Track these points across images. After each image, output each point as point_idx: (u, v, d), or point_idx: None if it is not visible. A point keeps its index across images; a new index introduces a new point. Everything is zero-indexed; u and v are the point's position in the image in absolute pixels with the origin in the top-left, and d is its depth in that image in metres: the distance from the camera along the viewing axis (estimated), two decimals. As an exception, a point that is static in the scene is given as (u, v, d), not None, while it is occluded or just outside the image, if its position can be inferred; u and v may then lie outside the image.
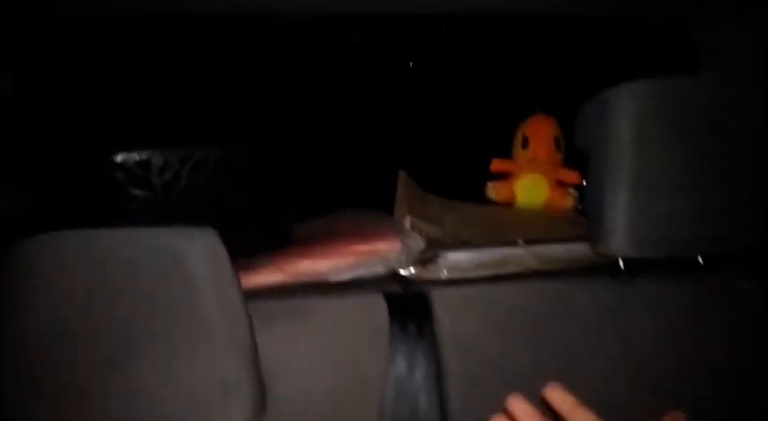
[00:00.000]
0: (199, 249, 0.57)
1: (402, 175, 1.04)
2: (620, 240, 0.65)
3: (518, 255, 0.81)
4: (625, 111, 0.66)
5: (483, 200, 1.09)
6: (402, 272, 0.78)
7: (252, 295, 0.71)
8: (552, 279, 0.76)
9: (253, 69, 0.99)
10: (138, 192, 0.73)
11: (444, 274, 0.78)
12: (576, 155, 1.09)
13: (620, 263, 0.74)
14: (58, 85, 0.87)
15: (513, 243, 0.82)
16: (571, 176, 1.06)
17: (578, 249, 0.81)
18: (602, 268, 0.77)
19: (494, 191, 1.07)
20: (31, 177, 0.80)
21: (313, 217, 0.98)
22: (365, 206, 1.04)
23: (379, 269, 0.77)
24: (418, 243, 0.79)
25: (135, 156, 0.72)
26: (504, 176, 1.10)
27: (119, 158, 0.71)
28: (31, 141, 0.83)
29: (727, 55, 0.90)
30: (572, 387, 0.69)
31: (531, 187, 1.06)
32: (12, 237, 0.78)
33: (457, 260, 0.80)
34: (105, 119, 0.87)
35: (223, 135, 0.81)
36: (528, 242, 0.83)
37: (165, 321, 0.55)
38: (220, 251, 0.58)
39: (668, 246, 0.67)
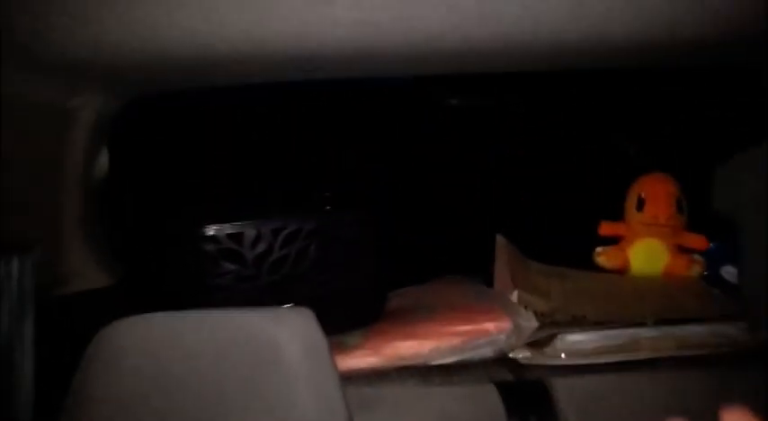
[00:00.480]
0: (295, 337, 0.51)
1: (501, 240, 0.95)
2: (794, 327, 0.54)
3: (651, 338, 0.70)
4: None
5: (590, 266, 0.98)
6: (513, 355, 0.69)
7: (343, 381, 0.64)
8: (699, 368, 0.64)
9: (347, 137, 0.97)
10: (229, 265, 0.69)
11: (563, 359, 0.68)
12: (696, 217, 0.97)
13: (784, 351, 0.61)
14: (152, 159, 0.87)
15: (641, 324, 0.71)
16: (697, 241, 0.93)
17: (726, 331, 0.69)
18: (757, 355, 0.64)
19: (604, 257, 0.96)
20: (124, 249, 0.79)
21: (403, 284, 0.91)
22: (459, 272, 0.97)
23: (487, 352, 0.69)
24: (531, 322, 0.70)
25: (227, 229, 0.68)
26: (613, 241, 0.98)
27: (210, 231, 0.68)
28: (124, 214, 0.82)
29: None
30: None
31: (647, 253, 0.94)
32: (103, 309, 0.76)
33: (577, 342, 0.69)
34: (197, 191, 0.86)
35: (317, 205, 0.77)
36: (660, 322, 0.71)
37: (259, 413, 0.49)
38: (319, 339, 0.52)
39: None
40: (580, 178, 1.06)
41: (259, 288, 0.69)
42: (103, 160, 0.76)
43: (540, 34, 0.55)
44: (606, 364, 0.67)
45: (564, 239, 1.02)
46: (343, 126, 0.98)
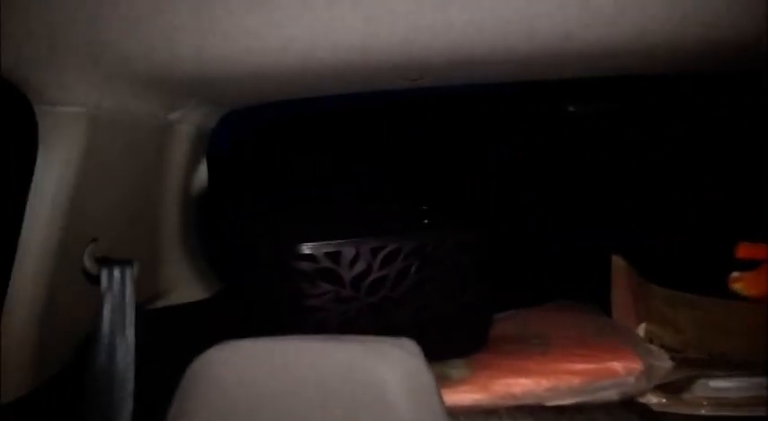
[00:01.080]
0: (400, 375, 0.46)
1: (618, 261, 0.85)
2: None
3: (817, 388, 0.58)
4: None
5: (724, 294, 0.85)
6: (644, 400, 0.60)
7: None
8: None
9: (451, 150, 0.90)
10: (326, 285, 0.65)
11: (706, 409, 0.58)
12: None
13: None
14: (250, 172, 0.85)
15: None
16: None
17: None
18: None
19: (743, 283, 0.84)
20: (221, 264, 0.78)
21: (508, 305, 0.83)
22: (565, 295, 0.88)
23: (612, 395, 0.60)
24: (665, 362, 0.61)
25: (325, 247, 0.65)
26: (752, 265, 0.85)
27: (307, 249, 0.65)
28: (221, 228, 0.81)
29: None
30: None
31: (798, 281, 0.81)
32: (200, 323, 0.75)
33: (722, 389, 0.59)
34: (295, 207, 0.83)
35: (417, 223, 0.72)
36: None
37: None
38: (426, 378, 0.46)
39: None
40: (717, 193, 0.93)
41: (357, 310, 0.65)
42: (202, 173, 0.75)
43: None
44: (755, 418, 0.57)
45: (693, 261, 0.90)
46: (448, 140, 0.92)
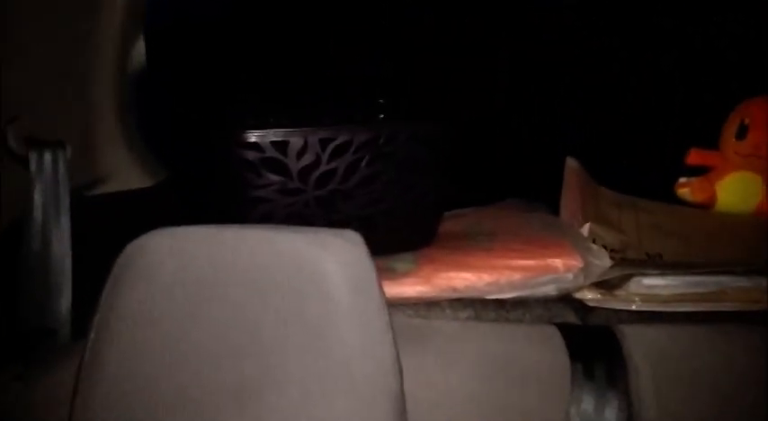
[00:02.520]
0: (342, 266, 0.46)
1: (571, 163, 0.86)
2: None
3: (740, 288, 0.61)
4: None
5: (671, 199, 0.87)
6: (579, 295, 0.62)
7: (392, 308, 0.59)
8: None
9: (410, 38, 0.85)
10: (272, 176, 0.63)
11: (637, 304, 0.61)
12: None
13: None
14: (193, 54, 0.79)
15: (729, 271, 0.63)
16: (802, 179, 0.81)
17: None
18: None
19: (688, 188, 0.86)
20: (165, 151, 0.74)
21: (457, 206, 0.83)
22: (518, 195, 0.89)
23: (550, 290, 0.62)
24: (603, 260, 0.63)
25: (271, 136, 0.62)
26: (701, 171, 0.87)
27: (252, 138, 0.62)
28: (163, 113, 0.76)
29: None
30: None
31: (740, 188, 0.84)
32: (140, 212, 0.73)
33: (654, 287, 0.62)
34: (242, 93, 0.78)
35: (370, 115, 0.69)
36: (752, 270, 0.63)
37: (297, 351, 0.45)
38: (368, 270, 0.46)
39: None
40: (669, 97, 0.92)
41: (304, 203, 0.63)
42: (140, 49, 0.69)
43: None
44: (683, 314, 0.60)
45: (644, 166, 0.92)
46: (406, 32, 0.87)
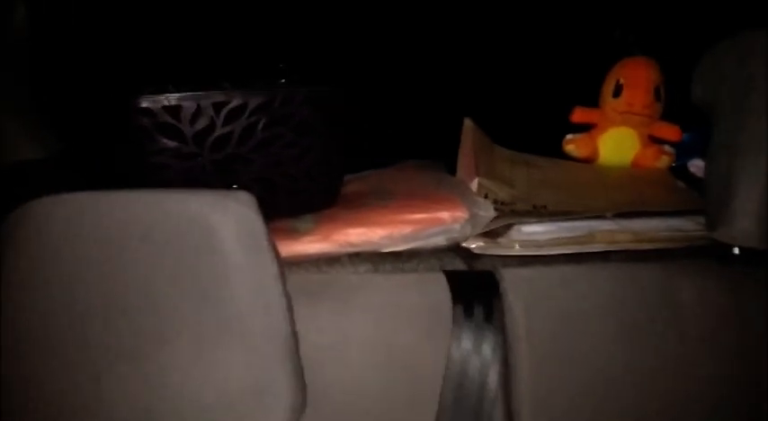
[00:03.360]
0: (232, 223, 0.48)
1: (468, 124, 0.90)
2: (751, 229, 0.52)
3: (607, 231, 0.68)
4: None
5: (558, 154, 0.94)
6: (466, 244, 0.67)
7: (293, 267, 0.62)
8: (647, 262, 0.64)
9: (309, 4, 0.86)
10: (166, 141, 0.63)
11: (517, 250, 0.66)
12: (673, 106, 0.92)
13: (736, 249, 0.61)
14: (78, 15, 0.76)
15: (600, 216, 0.69)
16: (670, 132, 0.90)
17: (682, 225, 0.68)
18: (709, 250, 0.64)
19: (573, 145, 0.92)
20: (58, 120, 0.72)
21: (360, 169, 0.87)
22: (421, 157, 0.93)
23: (441, 240, 0.67)
24: (488, 211, 0.68)
25: (163, 101, 0.62)
26: (585, 128, 0.94)
27: (144, 103, 0.62)
28: (51, 82, 0.74)
29: None
30: (667, 397, 0.59)
31: (618, 143, 0.91)
32: (34, 184, 0.71)
33: (533, 233, 0.68)
34: (132, 56, 0.76)
35: (264, 76, 0.70)
36: (619, 215, 0.70)
37: (190, 307, 0.47)
38: (258, 226, 0.49)
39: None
40: (559, 60, 0.98)
41: (201, 168, 0.64)
42: (20, 17, 0.66)
43: None
44: (559, 256, 0.66)
45: (539, 125, 0.98)
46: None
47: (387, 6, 0.91)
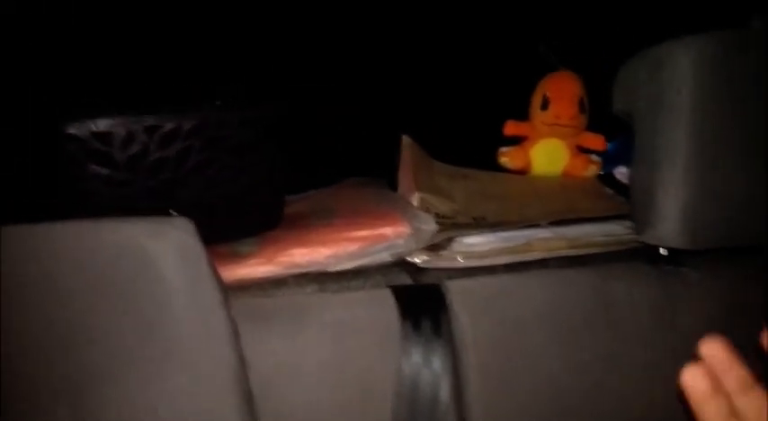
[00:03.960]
0: (170, 249, 0.46)
1: (405, 140, 0.92)
2: (673, 230, 0.55)
3: (543, 239, 0.71)
4: (685, 70, 0.54)
5: (494, 167, 0.98)
6: (412, 259, 0.68)
7: (237, 292, 0.61)
8: (583, 267, 0.67)
9: (230, 19, 0.85)
10: (97, 169, 0.61)
11: (459, 262, 0.68)
12: (599, 117, 0.98)
13: (662, 249, 0.64)
14: (14, 40, 0.72)
15: (536, 225, 0.72)
16: (596, 142, 0.95)
17: (613, 230, 0.71)
18: (640, 252, 0.67)
19: (507, 157, 0.96)
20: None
21: (302, 189, 0.86)
22: (361, 175, 0.94)
23: (386, 257, 0.67)
24: (430, 225, 0.69)
25: (92, 127, 0.59)
26: (518, 141, 0.98)
27: (72, 130, 0.59)
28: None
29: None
30: (609, 394, 0.61)
31: (549, 154, 0.95)
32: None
33: (473, 245, 0.70)
34: (57, 81, 0.73)
35: (198, 99, 0.69)
36: (554, 223, 0.73)
37: (132, 339, 0.45)
38: (197, 250, 0.47)
39: (733, 237, 0.57)
40: (490, 77, 1.02)
41: (135, 194, 0.62)
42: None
43: None
44: (500, 265, 0.68)
45: (473, 140, 1.01)
46: (226, 11, 0.87)
47: (323, 25, 0.92)
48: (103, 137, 0.60)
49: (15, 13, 0.77)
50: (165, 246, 0.47)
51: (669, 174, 0.55)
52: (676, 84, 0.55)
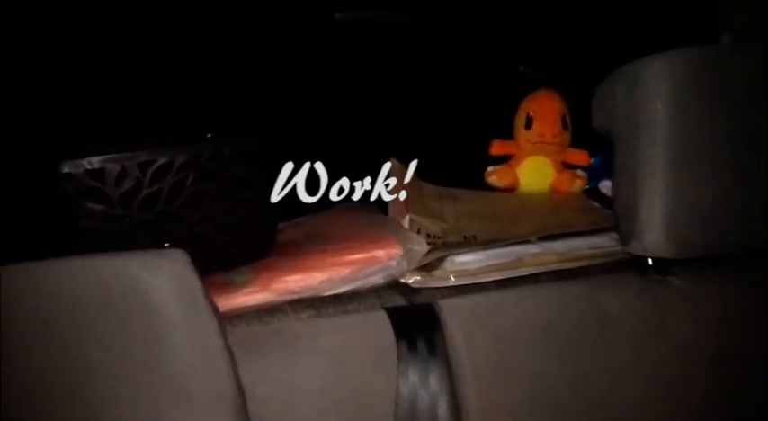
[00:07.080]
0: (166, 282, 0.47)
1: (394, 162, 0.94)
2: (657, 240, 0.57)
3: (533, 254, 0.72)
4: (660, 86, 0.57)
5: (482, 186, 0.99)
6: (404, 280, 0.69)
7: (233, 320, 0.62)
8: (573, 280, 0.68)
9: (221, 52, 0.87)
10: (92, 206, 0.62)
11: (452, 280, 0.69)
12: (582, 133, 1.00)
13: (649, 260, 0.66)
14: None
15: (525, 241, 0.74)
16: (580, 157, 0.97)
17: (601, 243, 0.73)
18: (628, 263, 0.69)
19: (495, 176, 0.98)
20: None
21: (293, 215, 0.87)
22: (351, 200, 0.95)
23: (379, 278, 0.68)
24: (421, 246, 0.70)
25: (85, 165, 0.61)
26: (504, 160, 1.00)
27: (66, 168, 0.60)
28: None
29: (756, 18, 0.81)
30: (604, 405, 0.62)
31: (535, 171, 0.97)
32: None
33: (465, 263, 0.71)
34: (50, 122, 0.75)
35: (189, 133, 0.70)
36: (543, 238, 0.74)
37: (130, 372, 0.46)
38: (192, 282, 0.48)
39: (717, 245, 0.58)
40: (474, 99, 1.04)
41: (130, 228, 0.63)
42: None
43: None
44: (492, 282, 0.69)
45: (461, 160, 1.03)
46: (217, 44, 0.89)
47: (311, 54, 0.94)
48: (97, 174, 0.61)
49: (10, 52, 0.78)
50: (162, 279, 0.48)
51: (649, 186, 0.56)
52: (652, 99, 0.57)
